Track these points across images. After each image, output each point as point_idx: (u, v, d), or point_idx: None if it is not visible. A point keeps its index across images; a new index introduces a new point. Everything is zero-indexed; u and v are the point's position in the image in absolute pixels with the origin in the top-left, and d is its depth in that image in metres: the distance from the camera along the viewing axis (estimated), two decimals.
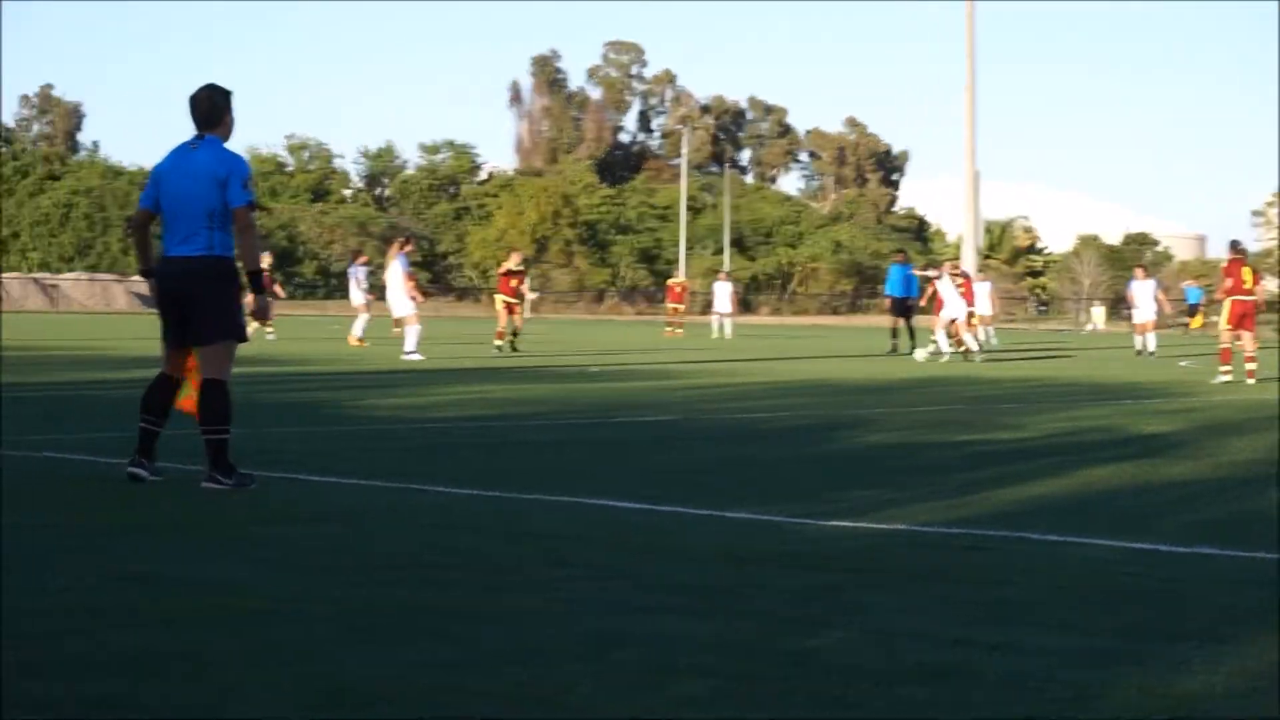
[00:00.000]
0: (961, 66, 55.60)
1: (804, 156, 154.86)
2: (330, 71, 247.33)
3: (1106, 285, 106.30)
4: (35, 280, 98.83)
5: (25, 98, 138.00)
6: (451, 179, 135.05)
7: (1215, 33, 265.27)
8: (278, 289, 47.71)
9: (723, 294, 56.33)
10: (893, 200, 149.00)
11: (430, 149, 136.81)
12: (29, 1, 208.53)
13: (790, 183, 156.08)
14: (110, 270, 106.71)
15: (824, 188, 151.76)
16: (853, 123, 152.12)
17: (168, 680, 5.10)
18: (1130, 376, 29.25)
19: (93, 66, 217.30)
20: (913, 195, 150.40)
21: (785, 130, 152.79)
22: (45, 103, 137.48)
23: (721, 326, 55.35)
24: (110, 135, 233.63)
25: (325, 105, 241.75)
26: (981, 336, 41.21)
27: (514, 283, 36.57)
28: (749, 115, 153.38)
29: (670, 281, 61.24)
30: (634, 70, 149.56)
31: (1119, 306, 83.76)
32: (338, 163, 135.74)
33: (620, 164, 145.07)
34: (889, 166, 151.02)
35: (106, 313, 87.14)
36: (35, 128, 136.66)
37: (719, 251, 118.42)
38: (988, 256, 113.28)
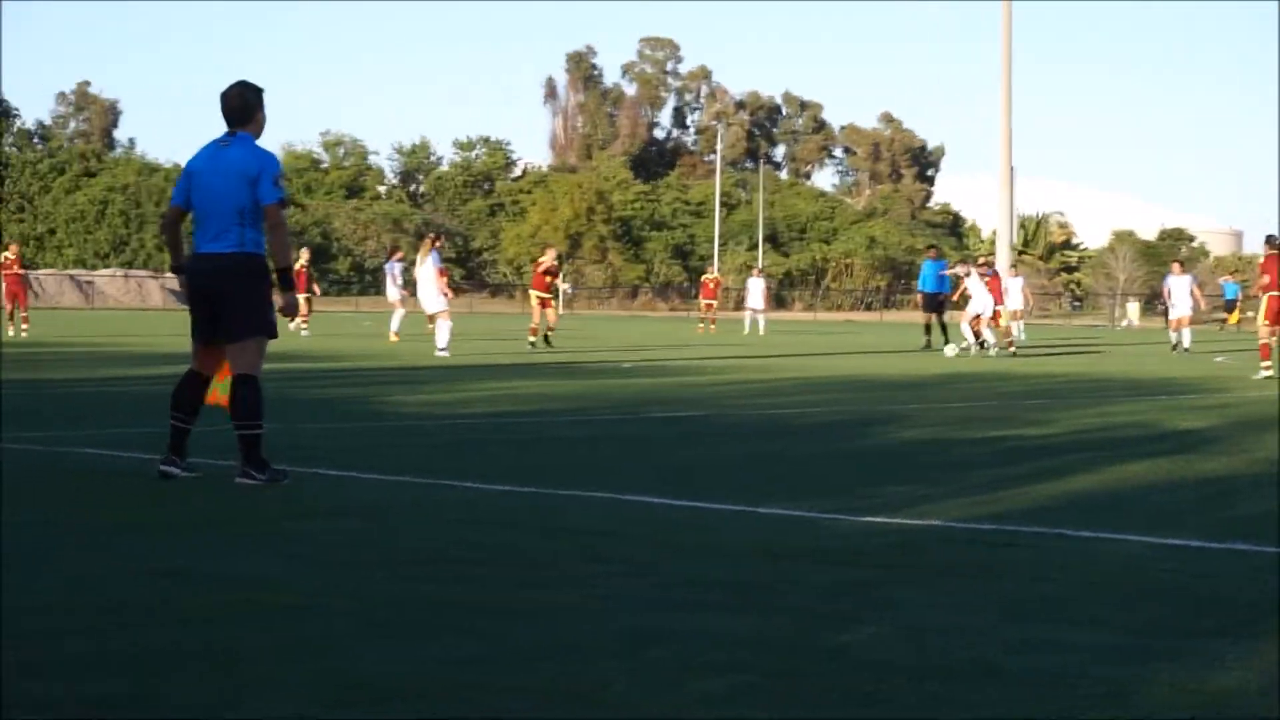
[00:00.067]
0: (997, 62, 55.43)
1: (838, 152, 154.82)
2: (365, 68, 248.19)
3: (1141, 281, 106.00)
4: (71, 277, 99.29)
5: (62, 95, 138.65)
6: (486, 175, 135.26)
7: (1252, 28, 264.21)
8: (314, 286, 47.81)
9: (756, 290, 56.33)
10: (927, 196, 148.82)
11: (465, 145, 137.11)
12: (66, 1, 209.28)
13: (825, 179, 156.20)
14: (145, 267, 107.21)
15: (858, 183, 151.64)
16: (888, 118, 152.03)
17: (197, 675, 5.11)
18: (1165, 372, 29.13)
19: (130, 63, 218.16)
20: (947, 191, 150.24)
21: (820, 126, 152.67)
22: (82, 100, 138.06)
23: (754, 322, 55.30)
24: (146, 132, 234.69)
25: (360, 102, 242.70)
26: (1014, 333, 41.17)
27: (548, 279, 36.55)
28: (784, 111, 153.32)
29: (704, 277, 61.19)
30: (669, 66, 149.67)
31: (1154, 302, 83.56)
32: (372, 159, 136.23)
33: (655, 160, 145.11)
34: (924, 162, 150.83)
35: (141, 309, 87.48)
36: (72, 125, 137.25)
37: (753, 247, 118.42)
38: (1022, 252, 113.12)
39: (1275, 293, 27.23)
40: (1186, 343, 41.34)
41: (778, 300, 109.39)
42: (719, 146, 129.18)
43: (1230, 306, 69.48)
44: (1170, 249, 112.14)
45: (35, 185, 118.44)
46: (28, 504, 9.10)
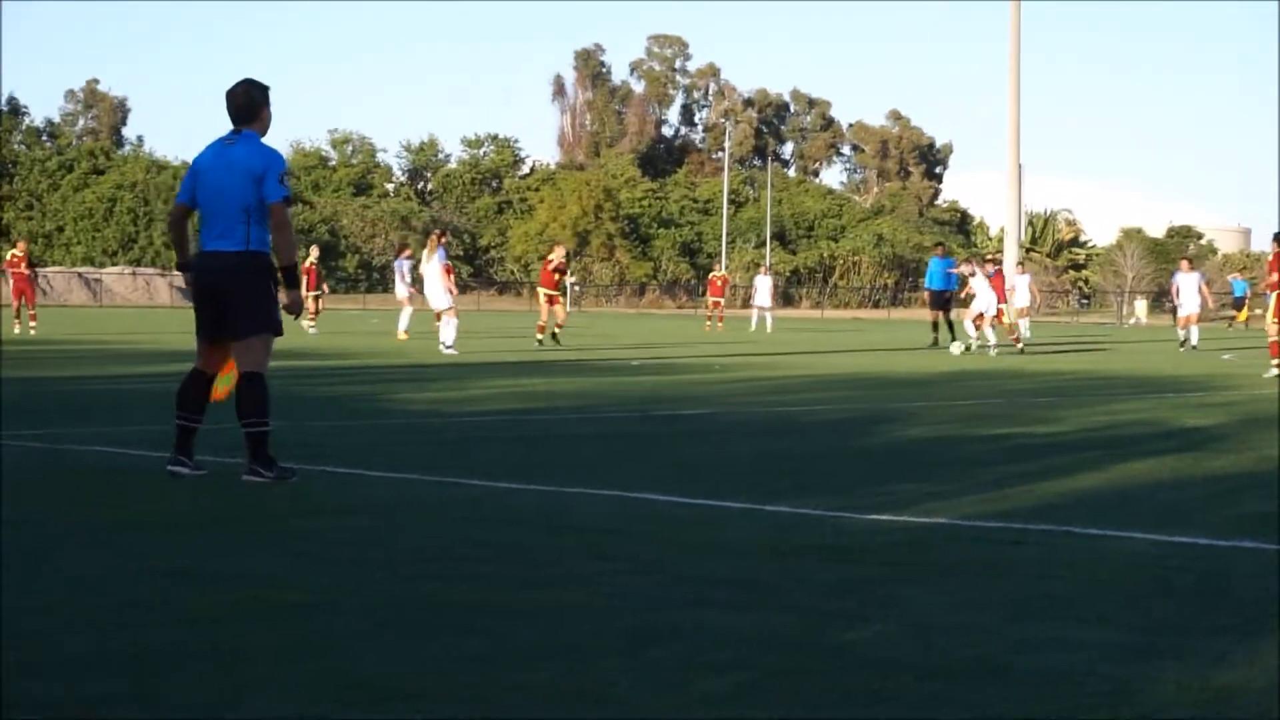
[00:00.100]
0: (1005, 59, 55.41)
1: (847, 150, 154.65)
2: (373, 66, 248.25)
3: (1149, 278, 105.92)
4: (79, 274, 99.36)
5: (71, 92, 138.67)
6: (494, 173, 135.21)
7: (1260, 27, 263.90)
8: (323, 285, 47.88)
9: (763, 288, 56.34)
10: (935, 193, 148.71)
11: (473, 143, 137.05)
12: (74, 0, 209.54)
13: (833, 176, 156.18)
14: (153, 264, 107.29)
15: (866, 181, 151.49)
16: (896, 116, 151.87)
17: (200, 674, 5.11)
18: (1172, 369, 29.11)
19: (138, 61, 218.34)
20: (955, 188, 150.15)
21: (828, 123, 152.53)
22: (90, 97, 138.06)
23: (762, 320, 55.30)
24: (155, 130, 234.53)
25: (368, 99, 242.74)
26: (1022, 330, 41.16)
27: (557, 276, 36.48)
28: (792, 109, 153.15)
29: (711, 275, 61.15)
30: (677, 64, 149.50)
31: (1162, 299, 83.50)
32: (380, 157, 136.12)
33: (662, 158, 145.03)
34: (932, 160, 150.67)
35: (150, 307, 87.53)
36: (80, 122, 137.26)
37: (761, 245, 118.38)
38: (1030, 249, 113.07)
39: None
40: (1194, 340, 41.26)
41: (785, 298, 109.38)
42: (727, 144, 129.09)
43: (1239, 304, 69.45)
44: (1178, 246, 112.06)
45: (44, 183, 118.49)
46: (31, 502, 9.11)
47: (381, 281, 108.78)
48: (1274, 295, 27.44)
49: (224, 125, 10.51)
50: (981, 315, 36.48)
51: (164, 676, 5.07)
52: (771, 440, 14.08)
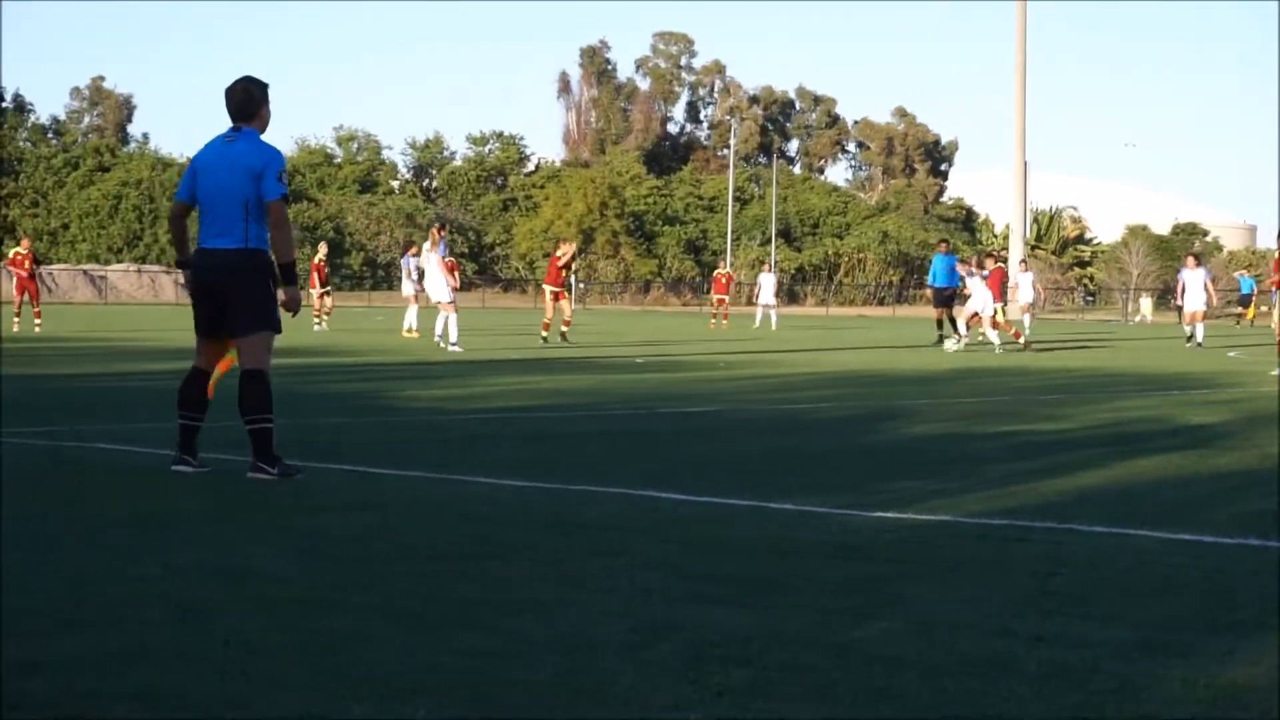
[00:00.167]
0: (1011, 56, 55.42)
1: (852, 147, 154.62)
2: (378, 63, 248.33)
3: (1155, 275, 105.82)
4: (84, 271, 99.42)
5: (76, 90, 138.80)
6: (499, 170, 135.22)
7: (1265, 24, 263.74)
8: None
9: (767, 285, 56.35)
10: (941, 191, 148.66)
11: (478, 140, 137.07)
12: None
13: (838, 173, 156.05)
14: (158, 262, 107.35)
15: (872, 178, 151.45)
16: (901, 113, 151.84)
17: (207, 670, 5.11)
18: (1177, 367, 29.09)
19: (143, 59, 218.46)
20: (961, 186, 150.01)
21: (833, 120, 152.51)
22: (96, 95, 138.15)
23: (766, 317, 55.29)
24: (160, 127, 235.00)
25: (373, 96, 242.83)
26: (1024, 327, 41.13)
27: (563, 272, 36.41)
28: (797, 106, 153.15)
29: (716, 272, 61.15)
30: (683, 61, 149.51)
31: (1167, 296, 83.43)
32: (386, 154, 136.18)
33: (668, 155, 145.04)
34: (937, 157, 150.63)
35: (154, 304, 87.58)
36: (86, 120, 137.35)
37: (765, 242, 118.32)
38: (1035, 246, 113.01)
39: None
40: (1199, 337, 41.21)
41: (790, 295, 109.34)
42: (732, 141, 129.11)
43: (1245, 301, 69.45)
44: (1184, 243, 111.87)
45: (49, 180, 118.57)
46: (33, 500, 9.10)
47: (386, 279, 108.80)
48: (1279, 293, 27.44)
49: (229, 123, 10.50)
50: (976, 315, 36.47)
51: (166, 675, 5.07)
52: (777, 438, 14.08)
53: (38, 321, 39.82)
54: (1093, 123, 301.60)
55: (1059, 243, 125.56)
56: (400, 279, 43.16)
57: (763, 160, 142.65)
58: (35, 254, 42.81)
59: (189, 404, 10.39)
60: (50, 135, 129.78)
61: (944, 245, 42.56)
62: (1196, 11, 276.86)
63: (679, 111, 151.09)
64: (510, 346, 33.66)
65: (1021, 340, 37.19)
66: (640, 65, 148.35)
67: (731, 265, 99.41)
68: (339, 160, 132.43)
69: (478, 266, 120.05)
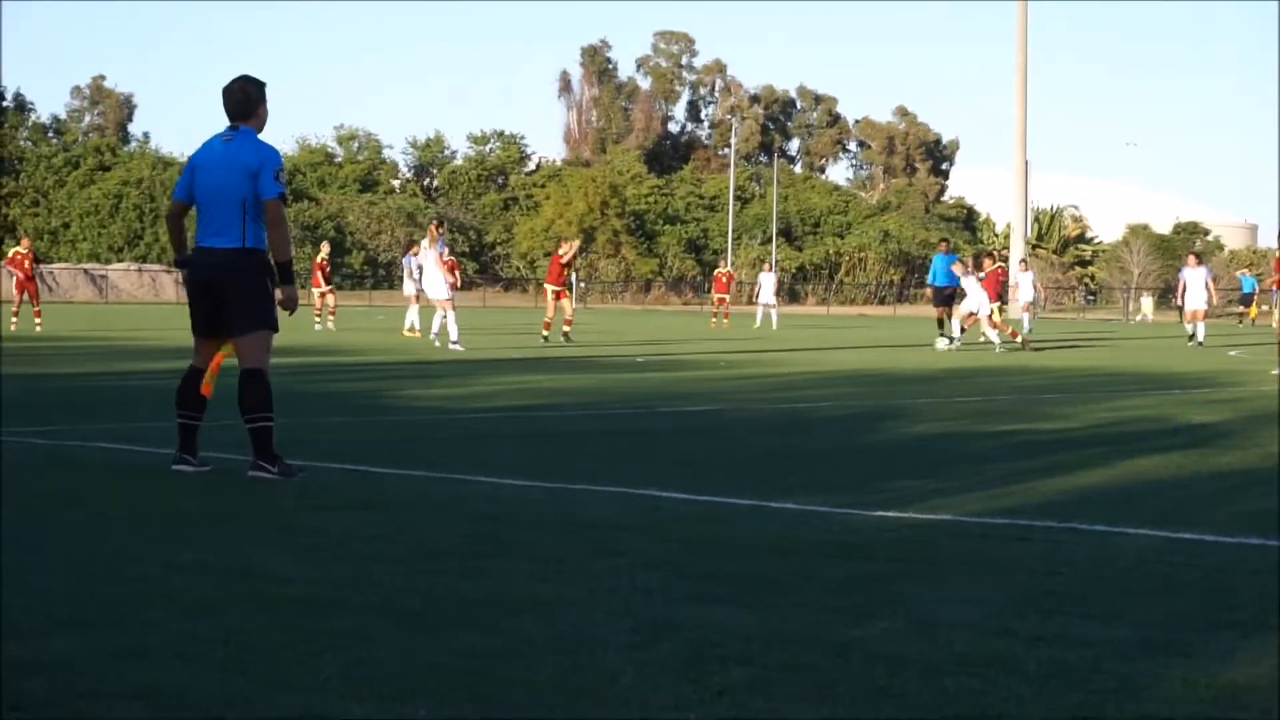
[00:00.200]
0: (1012, 56, 55.40)
1: (853, 146, 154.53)
2: (379, 62, 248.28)
3: (1156, 274, 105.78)
4: (85, 271, 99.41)
5: (77, 89, 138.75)
6: (500, 169, 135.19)
7: (1265, 23, 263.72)
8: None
9: (768, 284, 56.34)
10: (942, 190, 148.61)
11: (479, 139, 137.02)
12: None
13: (839, 172, 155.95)
14: (159, 261, 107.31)
15: (873, 177, 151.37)
16: (902, 112, 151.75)
17: (207, 670, 5.11)
18: (1178, 366, 29.08)
19: (144, 58, 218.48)
20: (962, 185, 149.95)
21: (834, 120, 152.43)
22: (97, 94, 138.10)
23: (767, 317, 55.28)
24: (161, 126, 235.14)
25: (374, 95, 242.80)
26: (1025, 325, 41.13)
27: (565, 271, 36.36)
28: (798, 105, 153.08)
29: (717, 272, 61.14)
30: (684, 60, 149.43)
31: (1168, 296, 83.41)
32: (386, 153, 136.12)
33: (669, 154, 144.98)
34: (938, 156, 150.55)
35: (155, 303, 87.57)
36: (86, 119, 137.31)
37: (766, 241, 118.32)
38: (1036, 246, 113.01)
39: None
40: (1200, 336, 41.17)
41: (790, 294, 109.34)
42: (733, 140, 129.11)
43: (1247, 300, 69.43)
44: (1185, 242, 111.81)
45: (50, 179, 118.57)
46: (33, 500, 9.10)
47: (387, 278, 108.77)
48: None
49: (227, 122, 10.50)
50: (972, 315, 36.48)
51: (166, 674, 5.06)
52: (777, 437, 14.08)
53: (38, 321, 39.82)
54: (1093, 122, 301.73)
55: (1060, 242, 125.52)
56: (401, 278, 43.15)
57: (763, 159, 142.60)
58: (36, 253, 42.81)
59: (187, 403, 10.40)
60: (51, 134, 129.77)
61: (944, 244, 42.53)
62: (1196, 11, 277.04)
63: (680, 111, 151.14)
64: (511, 346, 33.65)
65: (1019, 339, 37.17)
66: (641, 64, 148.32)
67: (732, 264, 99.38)
68: (340, 159, 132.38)
69: (478, 266, 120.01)
